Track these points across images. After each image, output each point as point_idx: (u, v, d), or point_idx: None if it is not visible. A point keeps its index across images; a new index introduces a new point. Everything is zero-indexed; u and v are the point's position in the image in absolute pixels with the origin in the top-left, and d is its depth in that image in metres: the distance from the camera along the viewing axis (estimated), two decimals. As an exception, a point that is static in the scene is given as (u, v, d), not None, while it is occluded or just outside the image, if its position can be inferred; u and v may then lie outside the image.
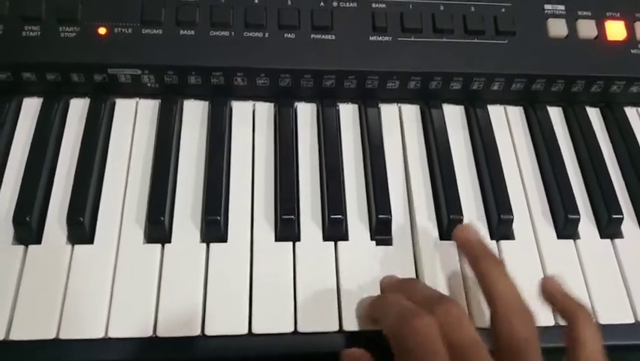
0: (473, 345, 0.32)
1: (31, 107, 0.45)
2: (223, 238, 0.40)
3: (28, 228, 0.39)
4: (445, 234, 0.42)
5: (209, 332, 0.37)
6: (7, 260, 0.38)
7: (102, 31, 0.43)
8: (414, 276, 0.40)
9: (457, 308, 0.33)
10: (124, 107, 0.45)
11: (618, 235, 0.44)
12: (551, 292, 0.37)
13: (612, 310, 0.40)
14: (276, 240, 0.41)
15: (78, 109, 0.45)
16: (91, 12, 0.43)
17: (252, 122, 0.46)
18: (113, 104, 0.46)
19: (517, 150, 0.47)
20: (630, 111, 0.50)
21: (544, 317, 0.39)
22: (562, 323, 0.36)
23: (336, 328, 0.37)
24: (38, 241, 0.39)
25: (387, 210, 0.41)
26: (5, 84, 0.44)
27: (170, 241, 0.40)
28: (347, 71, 0.45)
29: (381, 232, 0.41)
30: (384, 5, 0.46)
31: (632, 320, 0.40)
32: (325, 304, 0.38)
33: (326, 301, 0.38)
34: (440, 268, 0.41)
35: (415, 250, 0.42)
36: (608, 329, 0.40)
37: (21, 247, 0.39)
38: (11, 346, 0.36)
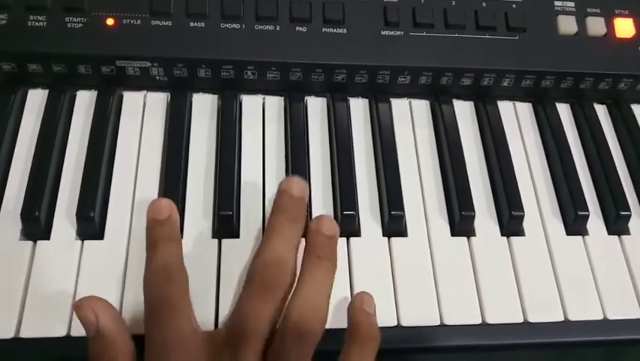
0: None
1: (36, 99, 0.43)
2: (235, 234, 0.40)
3: (36, 223, 0.38)
4: (456, 230, 0.42)
5: (223, 329, 0.36)
6: (16, 256, 0.37)
7: (110, 22, 0.42)
8: (429, 272, 0.40)
9: None
10: (132, 100, 0.45)
11: (625, 231, 0.44)
12: (360, 305, 0.36)
13: (620, 306, 0.41)
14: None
15: (85, 101, 0.44)
16: (98, 2, 0.42)
17: (262, 116, 0.45)
18: (121, 97, 0.45)
19: (527, 146, 0.47)
20: (637, 108, 0.50)
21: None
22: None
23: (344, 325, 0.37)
24: (47, 237, 0.38)
25: (400, 206, 0.41)
26: (10, 75, 0.43)
27: (181, 236, 0.39)
28: (358, 66, 0.44)
29: (393, 228, 0.41)
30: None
31: (639, 315, 0.41)
32: (336, 301, 0.38)
33: (338, 297, 0.38)
34: (452, 264, 0.41)
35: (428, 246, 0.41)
36: (615, 324, 0.40)
37: (29, 243, 0.38)
38: (21, 343, 0.35)
